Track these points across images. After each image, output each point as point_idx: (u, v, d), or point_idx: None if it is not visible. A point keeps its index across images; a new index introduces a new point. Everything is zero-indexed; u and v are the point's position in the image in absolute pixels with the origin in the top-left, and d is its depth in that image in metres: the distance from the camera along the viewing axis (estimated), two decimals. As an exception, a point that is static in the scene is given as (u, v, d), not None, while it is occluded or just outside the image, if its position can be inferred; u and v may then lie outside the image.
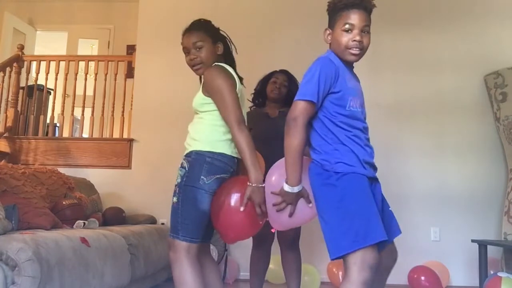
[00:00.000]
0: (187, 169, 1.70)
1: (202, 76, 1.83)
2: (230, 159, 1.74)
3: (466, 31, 4.17)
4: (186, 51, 1.85)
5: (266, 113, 2.61)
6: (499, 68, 3.85)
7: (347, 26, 1.53)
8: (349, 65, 1.62)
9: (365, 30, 1.55)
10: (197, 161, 1.69)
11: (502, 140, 3.87)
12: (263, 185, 1.64)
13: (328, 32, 1.61)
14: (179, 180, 1.71)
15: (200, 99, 1.79)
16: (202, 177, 1.68)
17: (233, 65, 1.90)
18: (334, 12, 1.58)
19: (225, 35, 1.92)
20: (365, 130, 1.59)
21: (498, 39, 4.13)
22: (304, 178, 1.57)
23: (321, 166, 1.52)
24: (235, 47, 1.95)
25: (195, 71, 1.86)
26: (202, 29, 1.84)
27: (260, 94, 2.69)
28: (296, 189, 1.54)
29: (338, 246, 1.44)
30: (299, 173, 1.53)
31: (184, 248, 1.66)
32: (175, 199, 1.71)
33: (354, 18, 1.53)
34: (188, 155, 1.73)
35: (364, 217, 1.44)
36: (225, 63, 1.85)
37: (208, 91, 1.75)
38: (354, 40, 1.53)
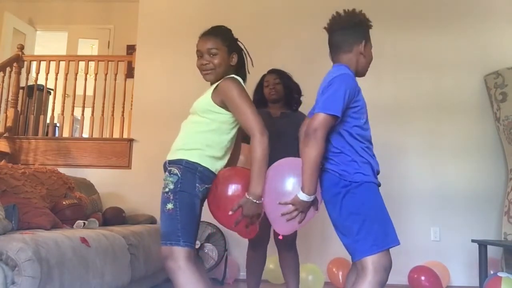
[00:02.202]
0: (180, 175, 1.67)
1: (211, 82, 1.82)
2: (213, 174, 1.74)
3: (466, 31, 4.18)
4: (199, 54, 1.81)
5: (268, 112, 2.62)
6: (499, 68, 3.85)
7: (371, 44, 1.71)
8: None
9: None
10: (189, 169, 1.68)
11: (502, 140, 3.87)
12: (257, 202, 1.62)
13: (363, 43, 1.71)
14: (171, 187, 1.66)
15: (207, 105, 1.75)
16: (197, 184, 1.68)
17: (244, 79, 1.88)
18: (365, 29, 1.72)
19: (242, 47, 1.89)
20: (371, 141, 1.68)
21: (498, 39, 4.13)
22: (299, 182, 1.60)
23: (339, 176, 1.59)
24: (251, 59, 1.92)
25: (204, 76, 1.83)
26: (220, 36, 1.81)
27: (260, 101, 2.68)
28: (312, 198, 1.57)
29: (358, 250, 1.53)
30: (316, 183, 1.57)
31: (186, 254, 1.62)
32: (170, 206, 1.65)
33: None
34: (179, 162, 1.70)
35: (382, 223, 1.55)
36: (237, 75, 1.83)
37: (223, 100, 1.72)
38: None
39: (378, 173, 1.66)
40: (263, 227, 1.76)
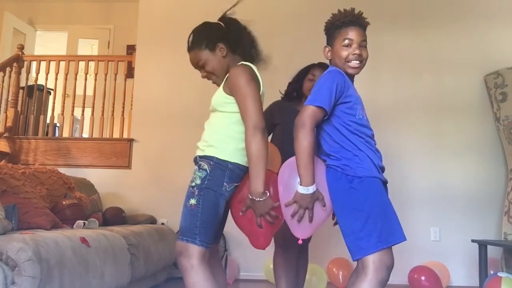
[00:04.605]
0: (209, 172, 1.63)
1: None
2: (244, 168, 1.70)
3: (466, 31, 4.18)
4: (196, 68, 1.82)
5: (299, 111, 2.45)
6: (499, 68, 3.85)
7: (346, 41, 1.64)
8: (351, 78, 1.70)
9: (363, 44, 1.66)
10: (220, 166, 1.64)
11: (502, 140, 3.87)
12: (262, 199, 1.58)
13: (327, 49, 1.72)
14: (198, 182, 1.63)
15: (222, 97, 1.71)
16: (225, 183, 1.64)
17: (249, 55, 1.81)
18: (333, 30, 1.68)
19: (228, 22, 1.84)
20: (373, 136, 1.67)
21: (498, 39, 4.13)
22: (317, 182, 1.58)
23: (342, 171, 1.58)
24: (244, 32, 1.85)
25: (214, 83, 1.83)
26: (196, 44, 1.77)
27: (296, 89, 2.45)
28: (311, 189, 1.55)
29: (361, 247, 1.50)
30: (312, 173, 1.56)
31: (200, 253, 1.59)
32: (193, 201, 1.61)
33: (352, 34, 1.64)
34: (209, 158, 1.66)
35: (386, 219, 1.52)
36: (240, 55, 1.78)
37: (231, 89, 1.68)
38: (354, 54, 1.63)
39: (383, 169, 1.64)
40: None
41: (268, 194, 1.60)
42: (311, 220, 1.57)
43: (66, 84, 4.71)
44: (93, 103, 4.54)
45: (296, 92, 2.47)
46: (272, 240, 1.78)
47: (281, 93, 2.53)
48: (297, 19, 4.32)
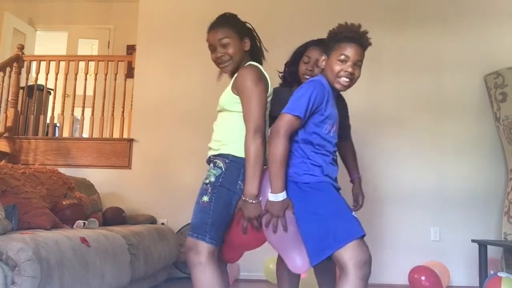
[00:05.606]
0: (224, 170, 1.64)
1: (229, 73, 1.80)
2: None
3: (466, 32, 4.18)
4: (212, 48, 1.77)
5: None
6: (499, 68, 3.85)
7: (342, 57, 1.62)
8: (335, 92, 1.70)
9: (358, 64, 1.65)
10: (235, 164, 1.65)
11: (502, 140, 3.87)
12: (255, 201, 1.59)
13: (323, 57, 1.70)
14: (212, 180, 1.64)
15: (230, 97, 1.72)
16: (239, 182, 1.64)
17: (259, 61, 1.83)
18: (333, 42, 1.66)
19: (251, 28, 1.85)
20: (333, 153, 1.69)
21: (498, 39, 4.13)
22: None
23: (291, 178, 1.60)
24: (262, 44, 1.87)
25: (222, 69, 1.79)
26: (228, 24, 1.77)
27: (292, 73, 2.21)
28: (280, 197, 1.56)
29: (319, 250, 1.49)
30: (282, 181, 1.57)
31: (210, 251, 1.60)
32: (206, 198, 1.62)
33: (350, 51, 1.62)
34: (225, 156, 1.66)
35: (342, 218, 1.52)
36: (252, 59, 1.79)
37: (237, 89, 1.69)
38: (346, 71, 1.62)
39: (336, 181, 1.67)
40: None
41: (260, 199, 1.61)
42: (285, 229, 1.56)
43: (66, 84, 4.71)
44: (93, 103, 4.54)
45: (292, 76, 2.21)
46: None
47: (279, 75, 2.31)
48: (300, 19, 4.31)
